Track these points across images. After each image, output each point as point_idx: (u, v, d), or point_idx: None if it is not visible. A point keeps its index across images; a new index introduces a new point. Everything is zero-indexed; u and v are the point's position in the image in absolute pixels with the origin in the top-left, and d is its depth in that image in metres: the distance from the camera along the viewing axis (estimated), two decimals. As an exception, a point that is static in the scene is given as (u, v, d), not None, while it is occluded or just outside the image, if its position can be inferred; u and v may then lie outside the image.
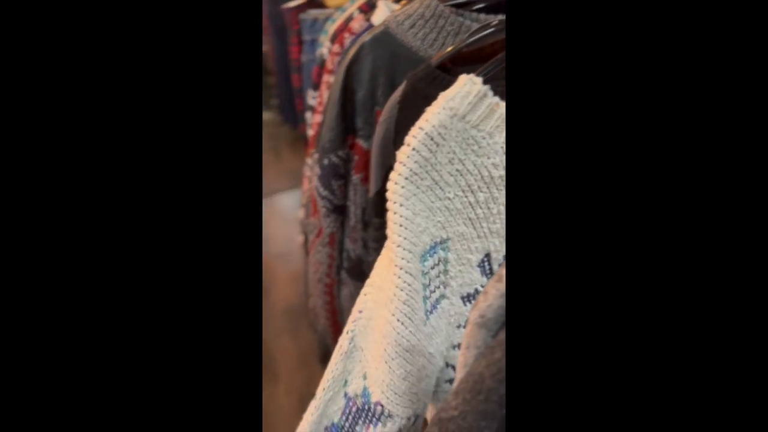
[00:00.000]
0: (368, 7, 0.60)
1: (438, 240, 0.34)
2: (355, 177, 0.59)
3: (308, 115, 0.79)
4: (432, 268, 0.34)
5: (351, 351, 0.36)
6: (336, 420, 0.36)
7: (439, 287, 0.35)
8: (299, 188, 2.27)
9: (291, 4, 1.06)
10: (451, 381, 0.39)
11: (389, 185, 0.32)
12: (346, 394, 0.36)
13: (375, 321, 0.35)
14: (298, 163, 2.46)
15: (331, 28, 0.67)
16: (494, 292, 0.26)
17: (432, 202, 0.33)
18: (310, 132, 0.80)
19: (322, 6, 0.89)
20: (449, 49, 0.39)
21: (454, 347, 0.37)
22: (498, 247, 0.36)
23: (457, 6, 0.45)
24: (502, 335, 0.26)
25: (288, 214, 2.17)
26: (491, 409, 0.27)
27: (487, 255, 0.36)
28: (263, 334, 1.37)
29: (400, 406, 0.35)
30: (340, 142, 0.58)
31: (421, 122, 0.31)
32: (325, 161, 0.60)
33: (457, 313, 0.37)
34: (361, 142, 0.57)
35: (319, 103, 0.70)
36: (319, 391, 0.37)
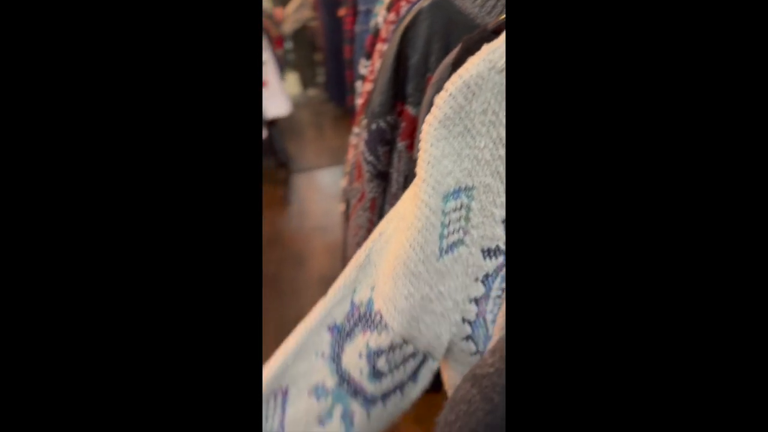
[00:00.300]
0: (427, -25, 0.59)
1: (463, 186, 0.35)
2: (401, 144, 0.60)
3: (358, 84, 0.80)
4: (454, 210, 0.35)
5: (365, 265, 0.38)
6: (339, 321, 0.39)
7: (458, 231, 0.36)
8: (339, 165, 2.30)
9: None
10: (467, 338, 0.40)
11: (423, 126, 0.33)
12: (352, 301, 0.39)
13: (392, 244, 0.37)
14: (340, 141, 2.49)
15: (389, -5, 0.67)
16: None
17: (462, 148, 0.34)
18: (359, 102, 0.80)
19: (379, -24, 0.89)
20: (504, 15, 0.39)
21: (471, 301, 0.38)
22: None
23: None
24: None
25: (326, 190, 2.20)
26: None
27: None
28: (299, 304, 1.41)
29: (396, 322, 0.37)
30: (389, 107, 0.58)
31: (461, 70, 0.32)
32: (373, 126, 0.60)
33: (476, 265, 0.37)
34: (409, 109, 0.57)
35: (371, 72, 0.70)
36: (330, 293, 0.39)
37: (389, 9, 0.65)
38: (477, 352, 0.42)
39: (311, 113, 3.11)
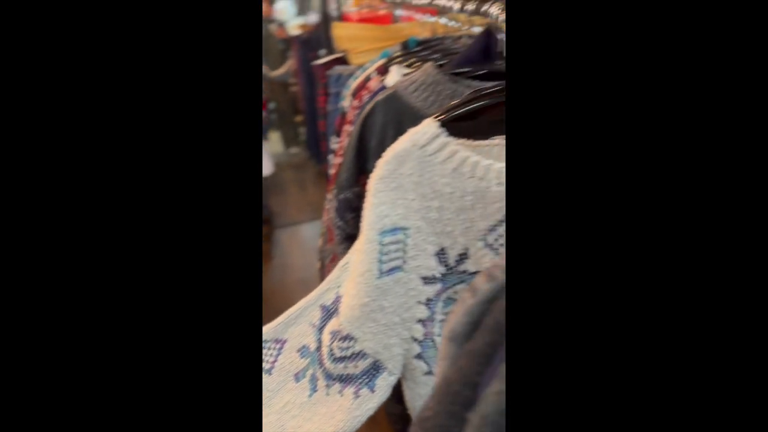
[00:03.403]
0: (384, 69, 0.68)
1: (399, 226, 0.47)
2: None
3: (330, 157, 0.87)
4: (391, 243, 0.47)
5: (345, 268, 0.52)
6: (329, 303, 0.54)
7: (396, 259, 0.48)
8: (320, 219, 2.35)
9: (320, 61, 1.17)
10: (418, 356, 0.50)
11: (369, 182, 0.46)
12: (337, 292, 0.53)
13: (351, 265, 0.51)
14: (321, 197, 2.55)
15: (353, 84, 0.75)
16: (460, 311, 0.31)
17: (394, 199, 0.46)
18: (332, 172, 0.87)
19: (346, 63, 0.99)
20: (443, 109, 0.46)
21: (417, 321, 0.50)
22: (452, 245, 0.48)
23: (452, 74, 0.52)
24: (467, 346, 0.31)
25: (308, 244, 2.23)
26: (457, 410, 0.32)
27: (443, 249, 0.47)
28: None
29: (344, 315, 0.50)
30: (354, 181, 0.65)
31: (394, 145, 0.46)
32: (341, 196, 0.66)
33: (417, 289, 0.49)
34: (371, 182, 0.64)
35: (340, 148, 0.77)
36: (323, 283, 0.54)
37: (354, 96, 0.72)
38: (429, 371, 0.51)
39: (293, 170, 3.20)
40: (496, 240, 0.47)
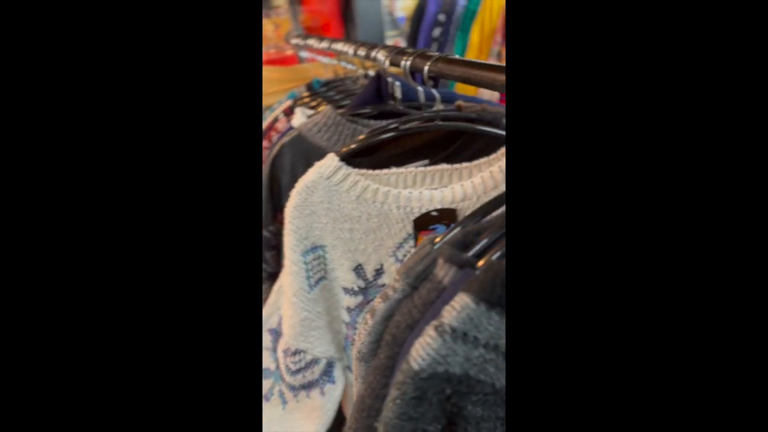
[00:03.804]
0: (290, 111, 0.71)
1: (318, 245, 0.53)
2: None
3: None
4: (313, 260, 0.53)
5: (280, 291, 0.60)
6: (275, 326, 0.61)
7: (320, 271, 0.54)
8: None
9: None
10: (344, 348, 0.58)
11: (285, 211, 0.52)
12: (279, 314, 0.60)
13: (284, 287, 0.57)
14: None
15: (264, 125, 0.78)
16: (364, 332, 0.34)
17: (310, 224, 0.52)
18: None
19: (257, 104, 1.01)
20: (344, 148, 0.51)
21: (342, 322, 0.56)
22: (367, 261, 0.53)
23: (351, 116, 0.57)
24: (373, 363, 0.34)
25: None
26: (371, 422, 0.34)
27: (359, 265, 0.53)
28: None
29: (288, 335, 0.56)
30: (270, 219, 0.66)
31: (303, 177, 0.52)
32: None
33: (339, 296, 0.55)
34: (286, 219, 0.66)
35: (254, 187, 0.78)
36: (265, 310, 0.61)
37: (263, 137, 0.75)
38: (347, 368, 0.59)
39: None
40: (404, 255, 0.52)
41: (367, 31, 1.43)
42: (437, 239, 0.33)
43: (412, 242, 0.51)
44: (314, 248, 0.53)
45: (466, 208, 0.47)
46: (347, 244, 0.52)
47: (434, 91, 0.49)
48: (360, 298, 0.55)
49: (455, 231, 0.32)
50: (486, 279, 0.27)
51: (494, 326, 0.27)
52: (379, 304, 0.33)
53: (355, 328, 0.56)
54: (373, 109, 0.58)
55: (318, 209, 0.51)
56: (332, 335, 0.56)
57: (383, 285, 0.54)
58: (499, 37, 1.23)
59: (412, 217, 0.49)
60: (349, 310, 0.55)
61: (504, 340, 0.28)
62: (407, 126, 0.50)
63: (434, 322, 0.28)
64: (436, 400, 0.28)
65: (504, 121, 0.50)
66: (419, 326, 0.30)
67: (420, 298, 0.31)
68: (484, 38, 1.26)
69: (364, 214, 0.50)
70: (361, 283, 0.54)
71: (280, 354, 0.57)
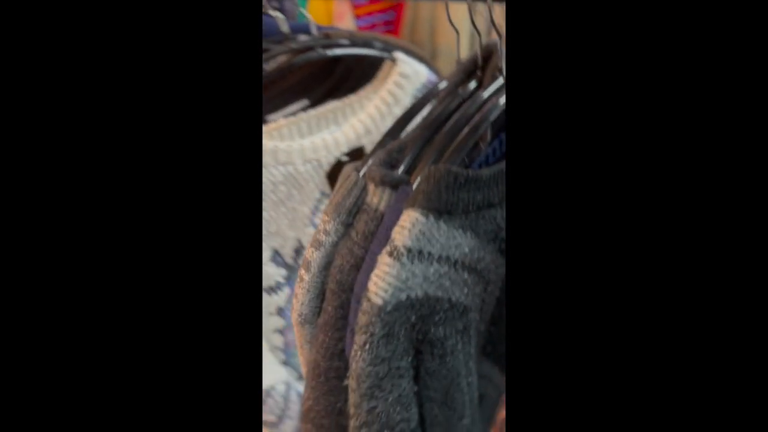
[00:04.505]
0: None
1: None
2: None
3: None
4: None
5: None
6: None
7: None
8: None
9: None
10: (284, 363, 0.49)
11: None
12: None
13: None
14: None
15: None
16: (301, 291, 0.30)
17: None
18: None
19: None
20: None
21: (275, 331, 0.47)
22: (283, 244, 0.45)
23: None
24: (320, 321, 0.30)
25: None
26: (333, 384, 0.31)
27: (276, 251, 0.45)
28: None
29: None
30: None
31: None
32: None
33: (266, 301, 0.46)
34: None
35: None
36: None
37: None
38: (300, 377, 0.49)
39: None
40: None
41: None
42: (358, 167, 0.29)
43: (327, 201, 0.46)
44: None
45: (372, 143, 0.44)
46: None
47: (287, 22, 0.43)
48: (287, 291, 0.47)
49: (376, 153, 0.29)
50: (429, 188, 0.24)
51: (444, 237, 0.26)
52: (312, 255, 0.29)
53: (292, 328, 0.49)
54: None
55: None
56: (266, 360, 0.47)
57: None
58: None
59: (323, 171, 0.43)
60: (279, 311, 0.47)
61: (454, 250, 0.26)
62: (278, 63, 0.44)
63: (386, 249, 0.25)
64: (403, 331, 0.25)
65: (377, 43, 0.46)
66: (366, 263, 0.27)
67: (358, 233, 0.28)
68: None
69: (268, 186, 0.43)
70: (283, 272, 0.46)
71: None
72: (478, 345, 0.32)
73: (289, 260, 0.47)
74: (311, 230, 0.46)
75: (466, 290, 0.28)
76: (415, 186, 0.26)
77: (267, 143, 0.42)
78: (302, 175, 0.43)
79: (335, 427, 0.32)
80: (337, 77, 0.48)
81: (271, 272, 0.45)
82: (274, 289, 0.46)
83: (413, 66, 0.45)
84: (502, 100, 0.29)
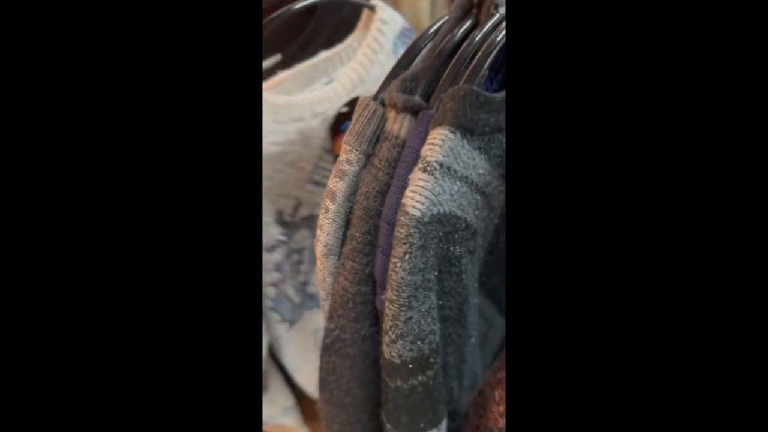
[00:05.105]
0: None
1: None
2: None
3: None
4: None
5: None
6: None
7: None
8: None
9: None
10: (272, 308, 0.51)
11: None
12: None
13: None
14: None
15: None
16: (326, 221, 0.31)
17: None
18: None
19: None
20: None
21: (269, 285, 0.50)
22: (286, 203, 0.45)
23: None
24: (346, 249, 0.31)
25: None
26: (359, 310, 0.32)
27: (279, 212, 0.45)
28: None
29: None
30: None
31: None
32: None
33: (265, 259, 0.47)
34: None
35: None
36: None
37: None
38: (283, 320, 0.52)
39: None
40: (322, 177, 0.45)
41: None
42: (374, 97, 0.30)
43: (327, 157, 0.44)
44: None
45: (365, 92, 0.44)
46: (268, 195, 0.43)
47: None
48: (283, 249, 0.47)
49: (392, 83, 0.30)
50: (456, 106, 0.26)
51: (466, 155, 0.27)
52: (336, 185, 0.29)
53: (286, 280, 0.48)
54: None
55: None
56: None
57: (306, 216, 0.47)
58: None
59: (326, 125, 0.42)
60: (277, 267, 0.47)
61: (472, 170, 0.28)
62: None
63: (418, 166, 0.26)
64: (433, 245, 0.27)
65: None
66: (394, 185, 0.28)
67: (381, 160, 0.28)
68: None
69: (282, 146, 0.40)
70: (282, 230, 0.46)
71: None
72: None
73: (287, 218, 0.47)
74: (309, 187, 0.46)
75: (477, 213, 0.29)
76: (437, 107, 0.27)
77: (278, 99, 0.41)
78: (312, 131, 0.42)
79: (360, 356, 0.33)
80: (309, 31, 0.47)
81: (271, 233, 0.45)
82: (274, 247, 0.46)
83: (390, 12, 0.45)
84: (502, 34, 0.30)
